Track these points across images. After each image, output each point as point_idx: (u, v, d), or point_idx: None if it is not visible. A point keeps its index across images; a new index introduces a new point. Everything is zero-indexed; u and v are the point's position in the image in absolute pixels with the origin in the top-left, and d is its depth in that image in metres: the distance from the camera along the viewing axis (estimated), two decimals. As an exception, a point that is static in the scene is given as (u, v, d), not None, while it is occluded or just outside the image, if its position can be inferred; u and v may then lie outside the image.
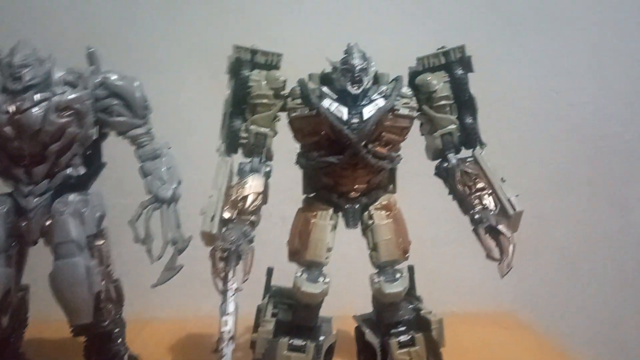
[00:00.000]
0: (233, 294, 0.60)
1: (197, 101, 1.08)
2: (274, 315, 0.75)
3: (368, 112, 0.68)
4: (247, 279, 0.64)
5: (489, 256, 0.68)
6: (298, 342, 0.72)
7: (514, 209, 0.70)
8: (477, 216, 0.70)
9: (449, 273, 1.28)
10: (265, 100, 0.71)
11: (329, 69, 0.70)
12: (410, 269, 0.82)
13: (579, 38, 1.27)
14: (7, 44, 0.68)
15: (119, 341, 0.74)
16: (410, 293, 0.81)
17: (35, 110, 0.65)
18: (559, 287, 1.32)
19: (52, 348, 0.90)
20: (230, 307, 0.58)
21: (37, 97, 0.65)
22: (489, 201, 0.71)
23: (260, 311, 0.76)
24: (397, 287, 0.70)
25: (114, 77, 0.70)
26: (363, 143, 0.68)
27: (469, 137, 0.74)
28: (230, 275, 0.61)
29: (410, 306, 0.78)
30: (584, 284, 1.32)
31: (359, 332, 0.76)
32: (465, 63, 0.73)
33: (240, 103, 0.72)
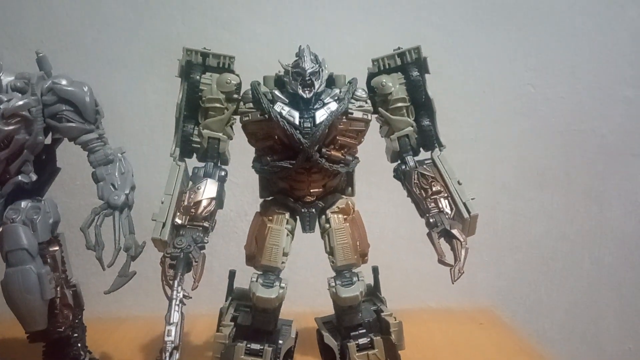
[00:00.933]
0: (179, 303, 0.59)
1: (156, 103, 1.07)
2: (234, 318, 0.74)
3: (320, 116, 0.67)
4: (196, 287, 0.64)
5: (440, 261, 0.67)
6: (255, 346, 0.71)
7: (469, 213, 0.69)
8: (432, 220, 0.69)
9: (425, 269, 1.27)
10: (217, 104, 0.70)
11: (281, 72, 0.70)
12: (375, 270, 0.82)
13: (555, 34, 1.26)
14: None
15: (78, 345, 0.74)
16: (374, 294, 0.81)
17: (-20, 118, 0.64)
18: (535, 283, 1.32)
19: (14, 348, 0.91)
20: (175, 317, 0.58)
21: (-18, 103, 0.64)
22: (444, 204, 0.70)
23: (221, 314, 0.76)
24: (352, 292, 0.70)
25: (63, 82, 0.70)
26: (316, 147, 0.67)
27: (427, 139, 0.74)
28: (176, 283, 0.61)
29: (373, 308, 0.78)
30: (561, 281, 1.32)
31: (319, 335, 0.76)
32: (422, 64, 0.72)
33: (192, 107, 0.71)
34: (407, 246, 1.27)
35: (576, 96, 1.27)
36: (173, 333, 0.57)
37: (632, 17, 1.25)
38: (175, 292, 0.60)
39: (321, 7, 1.15)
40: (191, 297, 0.62)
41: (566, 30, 1.26)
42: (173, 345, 0.56)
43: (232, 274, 0.81)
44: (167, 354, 0.55)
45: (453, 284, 0.67)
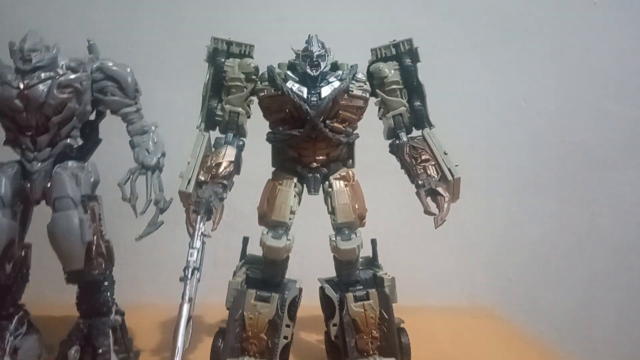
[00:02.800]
0: (200, 234, 0.69)
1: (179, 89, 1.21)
2: (245, 273, 0.84)
3: (325, 91, 0.79)
4: (215, 228, 0.74)
5: (426, 212, 0.77)
6: (264, 293, 0.81)
7: (453, 176, 0.79)
8: (420, 181, 0.79)
9: (427, 268, 1.36)
10: (238, 83, 0.82)
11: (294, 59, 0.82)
12: (373, 242, 0.91)
13: (547, 53, 1.38)
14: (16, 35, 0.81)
15: (107, 294, 0.83)
16: (372, 263, 0.90)
17: (40, 86, 0.77)
18: (532, 285, 1.39)
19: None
20: (197, 244, 0.68)
21: (43, 75, 0.77)
22: (431, 170, 0.80)
23: (234, 273, 0.86)
24: (350, 245, 0.79)
25: (109, 63, 0.83)
26: (321, 118, 0.79)
27: (418, 119, 0.85)
28: (199, 219, 0.71)
29: (371, 272, 0.87)
30: (556, 283, 1.39)
31: (321, 291, 0.85)
32: (413, 54, 0.84)
33: (217, 86, 0.83)
34: (410, 246, 1.35)
35: (566, 110, 1.38)
36: (195, 255, 0.67)
37: (617, 39, 1.37)
38: (198, 226, 0.70)
39: (326, 5, 1.31)
40: (210, 237, 0.72)
41: (557, 50, 1.38)
42: (195, 265, 0.66)
43: (245, 240, 0.90)
44: (189, 270, 0.65)
45: (436, 228, 0.76)
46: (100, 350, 0.78)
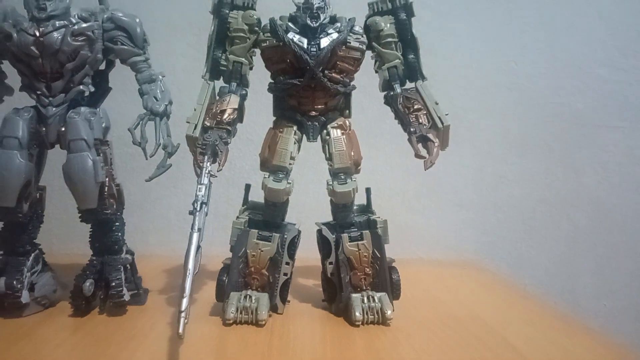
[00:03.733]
0: (207, 173, 0.75)
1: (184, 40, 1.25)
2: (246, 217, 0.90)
3: (324, 42, 0.83)
4: (220, 169, 0.79)
5: (417, 155, 0.82)
6: (266, 233, 0.87)
7: (443, 124, 0.84)
8: (412, 129, 0.84)
9: (418, 224, 1.42)
10: (241, 34, 0.86)
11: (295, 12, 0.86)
12: (368, 190, 0.96)
13: (537, 17, 1.42)
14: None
15: (118, 233, 0.89)
16: (367, 210, 0.96)
17: (55, 34, 0.81)
18: (516, 241, 1.46)
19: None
20: (204, 180, 0.73)
21: (57, 24, 0.81)
22: (423, 118, 0.85)
23: (237, 217, 0.91)
24: (346, 188, 0.85)
25: (119, 14, 0.86)
26: (320, 68, 0.83)
27: (412, 71, 0.89)
28: (205, 158, 0.76)
29: (365, 217, 0.92)
30: (540, 239, 1.46)
31: (318, 233, 0.91)
32: (408, 8, 0.88)
33: (221, 37, 0.87)
34: (402, 203, 1.42)
35: (554, 73, 1.43)
36: (203, 190, 0.72)
37: (605, 4, 1.42)
38: (205, 164, 0.75)
39: None
40: (216, 177, 0.78)
41: (547, 14, 1.42)
42: (203, 199, 0.71)
43: (247, 187, 0.96)
44: (198, 204, 0.70)
45: (425, 170, 0.81)
46: (113, 284, 0.84)
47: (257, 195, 0.93)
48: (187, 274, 0.65)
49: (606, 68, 1.43)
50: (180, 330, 0.62)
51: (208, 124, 0.83)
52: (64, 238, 1.22)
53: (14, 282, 0.81)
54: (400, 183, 1.40)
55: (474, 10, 1.42)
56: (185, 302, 0.63)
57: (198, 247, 0.68)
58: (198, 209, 0.70)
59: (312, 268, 1.04)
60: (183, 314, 0.62)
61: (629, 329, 1.42)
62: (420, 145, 0.83)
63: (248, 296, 0.84)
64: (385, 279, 0.87)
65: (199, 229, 0.69)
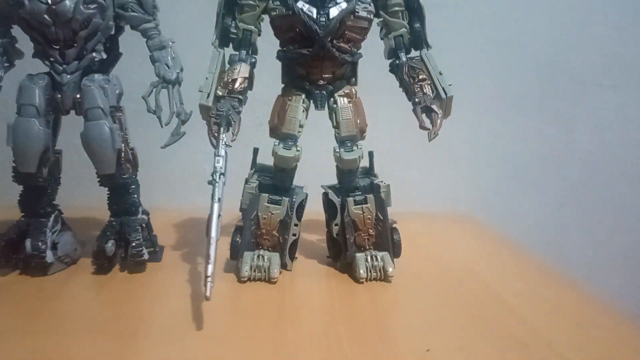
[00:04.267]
0: (223, 144, 0.78)
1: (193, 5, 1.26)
2: (257, 181, 0.94)
3: (333, 12, 0.84)
4: (234, 139, 0.83)
5: (421, 127, 0.86)
6: (275, 197, 0.92)
7: (446, 95, 0.87)
8: (417, 99, 0.88)
9: (416, 180, 1.48)
10: (250, 2, 0.87)
11: (304, -21, 0.87)
12: (370, 154, 1.01)
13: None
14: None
15: (135, 196, 0.93)
16: (370, 172, 1.01)
17: (67, 2, 0.81)
18: (509, 195, 1.52)
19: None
20: (222, 152, 0.77)
21: (69, -9, 0.82)
22: (427, 89, 0.88)
23: (247, 181, 0.96)
24: (353, 155, 0.89)
25: (129, -20, 0.87)
26: (329, 38, 0.85)
27: (417, 40, 0.91)
28: (222, 130, 0.80)
29: (368, 180, 0.97)
30: (532, 194, 1.52)
31: (324, 196, 0.96)
32: (416, -23, 0.89)
33: (230, 5, 0.88)
34: (400, 160, 1.46)
35: (553, 31, 1.45)
36: (221, 162, 0.76)
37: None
38: (221, 136, 0.79)
39: None
40: (231, 146, 0.81)
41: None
42: (221, 171, 0.75)
43: (255, 151, 1.00)
44: (217, 175, 0.75)
45: (429, 141, 0.85)
46: (134, 244, 0.89)
47: (263, 157, 0.97)
48: (211, 242, 0.70)
49: (604, 26, 1.44)
50: (208, 294, 0.68)
51: (220, 93, 0.86)
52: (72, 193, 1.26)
53: (39, 244, 0.86)
54: (398, 140, 1.44)
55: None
56: (210, 268, 0.69)
57: (219, 215, 0.73)
58: (217, 179, 0.75)
59: (314, 226, 1.10)
60: (209, 279, 0.68)
61: (609, 277, 1.52)
62: (424, 116, 0.87)
63: (260, 256, 0.90)
64: (387, 239, 0.93)
65: (219, 199, 0.74)
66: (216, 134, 0.81)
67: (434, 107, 0.86)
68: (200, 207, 1.36)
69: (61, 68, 0.86)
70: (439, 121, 0.86)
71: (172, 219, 1.25)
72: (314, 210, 0.99)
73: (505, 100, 1.48)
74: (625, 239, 1.52)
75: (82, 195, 1.15)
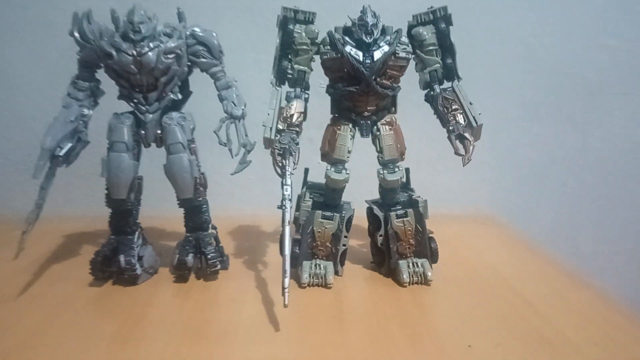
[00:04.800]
0: (289, 173, 0.92)
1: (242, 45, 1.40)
2: (310, 199, 1.09)
3: (377, 55, 0.97)
4: (296, 167, 0.97)
5: (456, 153, 0.99)
6: (327, 213, 1.06)
7: (477, 123, 1.00)
8: (451, 127, 1.01)
9: (439, 182, 1.61)
10: (304, 47, 1.01)
11: (349, 24, 0.99)
12: (407, 170, 1.14)
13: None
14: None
15: (207, 214, 1.08)
16: (406, 187, 1.14)
17: (150, 54, 0.95)
18: (528, 196, 1.65)
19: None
20: (288, 181, 0.91)
21: (151, 45, 0.95)
22: (460, 118, 1.01)
23: (300, 198, 1.10)
24: (395, 176, 1.03)
25: (198, 30, 1.00)
26: (373, 77, 0.98)
27: (449, 73, 1.04)
28: (286, 162, 0.94)
29: (406, 194, 1.11)
30: (549, 195, 1.65)
31: (369, 210, 1.10)
32: (447, 19, 1.01)
33: (287, 49, 1.02)
34: (427, 166, 1.60)
35: (568, 45, 1.56)
36: (289, 190, 0.90)
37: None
38: (287, 168, 0.93)
39: None
40: (293, 174, 0.95)
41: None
42: (289, 197, 0.90)
43: (306, 171, 1.13)
44: (286, 202, 0.89)
45: (464, 166, 0.99)
46: (209, 256, 1.04)
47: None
48: (285, 259, 0.85)
49: (616, 39, 1.55)
50: (286, 302, 0.83)
51: (281, 127, 1.00)
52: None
53: (130, 259, 1.01)
54: (427, 148, 1.57)
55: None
56: (287, 281, 0.83)
57: (289, 236, 0.88)
58: (286, 206, 0.89)
59: (356, 234, 1.23)
60: (286, 290, 0.83)
61: (622, 270, 1.65)
62: (458, 142, 1.00)
63: (317, 264, 1.05)
64: (425, 248, 1.07)
65: (289, 222, 0.88)
66: (280, 164, 0.95)
67: (467, 134, 0.99)
68: (247, 215, 1.53)
69: (144, 109, 1.00)
70: (471, 148, 0.99)
71: (225, 227, 1.40)
72: (356, 220, 1.13)
73: (524, 108, 1.60)
74: (638, 237, 1.65)
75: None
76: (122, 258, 1.01)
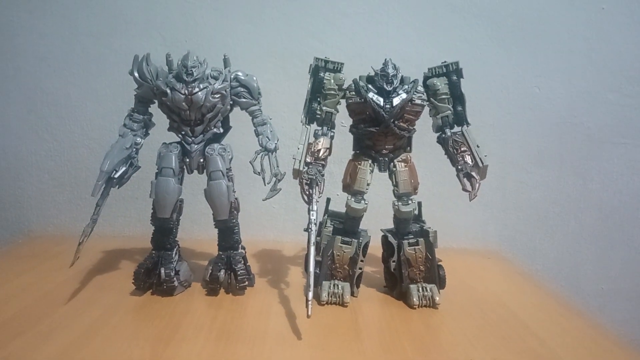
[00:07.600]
0: (316, 201, 1.05)
1: (275, 88, 1.56)
2: (331, 225, 1.21)
3: (396, 101, 1.11)
4: (321, 196, 1.10)
5: (464, 189, 1.12)
6: (346, 239, 1.18)
7: (483, 163, 1.13)
8: (459, 167, 1.14)
9: (450, 219, 1.72)
10: (332, 92, 1.15)
11: (372, 73, 1.14)
12: (419, 204, 1.26)
13: (557, 50, 1.68)
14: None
15: (238, 235, 1.20)
16: (418, 218, 1.26)
17: (200, 94, 1.10)
18: (532, 235, 1.76)
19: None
20: (314, 207, 1.04)
21: (201, 86, 1.10)
22: (468, 158, 1.14)
23: (321, 224, 1.22)
24: (409, 208, 1.15)
25: (241, 73, 1.15)
26: (392, 120, 1.12)
27: (459, 119, 1.17)
28: (313, 192, 1.07)
29: (418, 225, 1.23)
30: (552, 235, 1.76)
31: (384, 238, 1.22)
32: (459, 72, 1.15)
33: (317, 93, 1.16)
34: (437, 202, 1.71)
35: (570, 97, 1.70)
36: (315, 215, 1.03)
37: (618, 40, 1.67)
38: (314, 196, 1.06)
39: (385, 24, 1.62)
40: (318, 201, 1.08)
41: (565, 47, 1.68)
42: (315, 222, 1.02)
43: (328, 200, 1.26)
44: (312, 225, 1.02)
45: (470, 201, 1.11)
46: (239, 273, 1.16)
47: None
48: (310, 275, 0.97)
49: (615, 93, 1.69)
50: (309, 313, 0.94)
51: (309, 160, 1.13)
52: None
53: (170, 272, 1.14)
54: (437, 186, 1.69)
55: (503, 45, 1.68)
56: (310, 294, 0.95)
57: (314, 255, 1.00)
58: (312, 229, 1.02)
59: (370, 260, 1.35)
60: (310, 302, 0.94)
61: (620, 307, 1.74)
62: (465, 180, 1.13)
63: (335, 284, 1.16)
64: (434, 274, 1.18)
65: (314, 243, 1.00)
66: (307, 193, 1.09)
67: (474, 173, 1.12)
68: (270, 240, 1.65)
69: (190, 140, 1.14)
70: (477, 185, 1.11)
71: (250, 250, 1.52)
72: (371, 249, 1.24)
73: (528, 154, 1.72)
74: (635, 275, 1.74)
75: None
76: (162, 270, 1.13)
